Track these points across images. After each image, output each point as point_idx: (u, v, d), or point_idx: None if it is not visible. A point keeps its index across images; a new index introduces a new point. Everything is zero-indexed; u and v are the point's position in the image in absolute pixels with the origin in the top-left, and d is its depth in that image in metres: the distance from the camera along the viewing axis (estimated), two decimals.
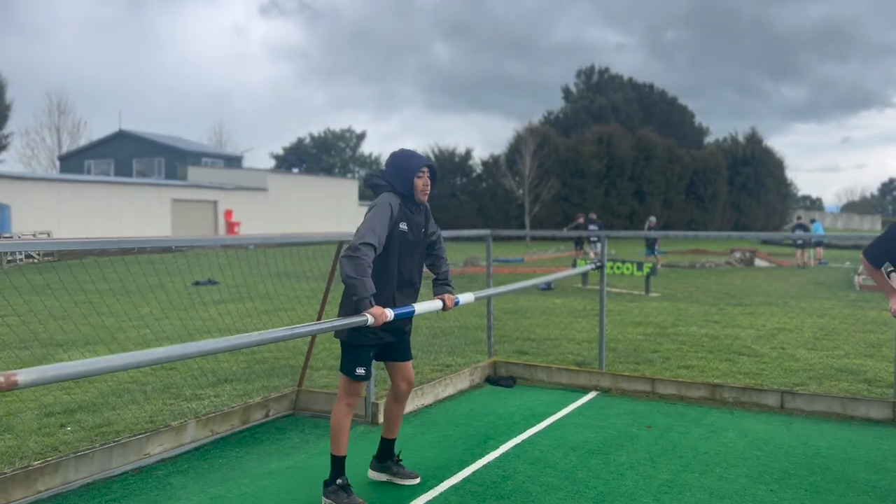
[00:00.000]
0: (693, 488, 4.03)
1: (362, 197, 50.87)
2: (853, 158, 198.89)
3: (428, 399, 5.94)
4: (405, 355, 4.12)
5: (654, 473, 4.27)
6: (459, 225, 47.55)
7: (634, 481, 4.13)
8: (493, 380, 6.77)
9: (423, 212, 3.99)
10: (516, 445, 4.83)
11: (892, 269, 3.94)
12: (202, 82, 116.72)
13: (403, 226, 3.80)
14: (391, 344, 4.00)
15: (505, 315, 11.15)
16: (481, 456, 4.60)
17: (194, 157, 49.88)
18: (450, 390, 6.27)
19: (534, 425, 5.30)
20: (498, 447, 4.78)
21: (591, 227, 22.72)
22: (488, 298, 7.00)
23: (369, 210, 3.77)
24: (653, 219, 25.29)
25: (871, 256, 3.93)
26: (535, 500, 3.86)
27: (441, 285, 4.10)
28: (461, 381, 6.47)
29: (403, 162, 3.87)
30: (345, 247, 3.81)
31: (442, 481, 4.14)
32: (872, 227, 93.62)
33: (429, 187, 3.90)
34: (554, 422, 5.41)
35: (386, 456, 4.17)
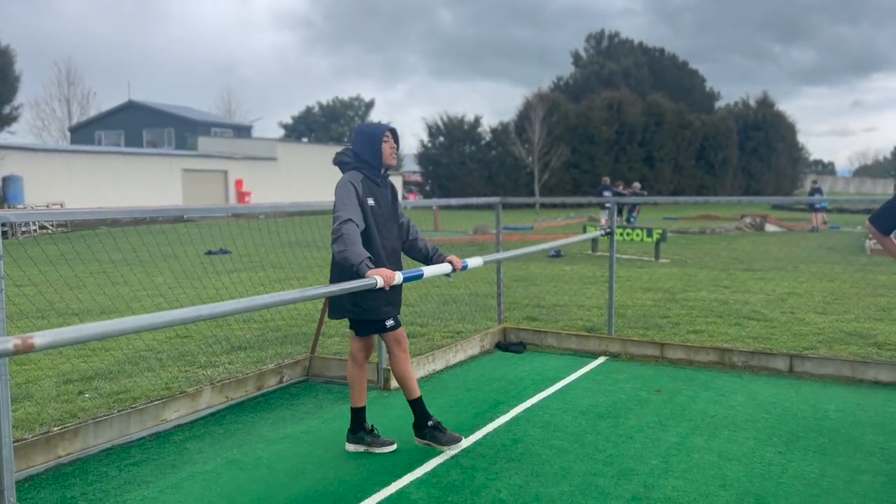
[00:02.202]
0: (701, 450, 4.08)
1: None
2: (864, 122, 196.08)
3: (439, 365, 6.01)
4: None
5: (662, 436, 4.32)
6: (469, 193, 47.42)
7: (643, 444, 4.19)
8: (503, 346, 6.83)
9: (389, 186, 4.14)
10: (526, 410, 4.90)
11: None
12: (209, 51, 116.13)
13: (371, 201, 3.94)
14: None
15: (515, 282, 11.19)
16: (492, 420, 4.67)
17: (204, 127, 49.80)
18: (460, 356, 6.33)
19: (543, 390, 5.36)
20: (508, 411, 4.85)
21: (606, 192, 22.61)
22: (498, 265, 7.04)
23: (335, 193, 3.89)
24: (637, 185, 25.04)
25: (879, 223, 3.91)
26: (544, 462, 3.92)
27: (439, 255, 4.21)
28: (471, 347, 6.53)
29: (370, 132, 4.06)
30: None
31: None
32: (885, 190, 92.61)
33: (395, 150, 4.09)
34: (563, 386, 5.47)
35: (359, 427, 4.18)
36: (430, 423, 4.12)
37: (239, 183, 39.48)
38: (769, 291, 10.05)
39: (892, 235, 4.04)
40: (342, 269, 3.83)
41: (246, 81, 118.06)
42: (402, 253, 4.26)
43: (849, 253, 16.11)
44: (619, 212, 22.18)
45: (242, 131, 54.38)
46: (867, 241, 17.12)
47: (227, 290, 9.28)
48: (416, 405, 4.14)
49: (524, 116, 49.58)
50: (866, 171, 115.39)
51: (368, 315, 3.97)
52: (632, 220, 22.14)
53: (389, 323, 4.05)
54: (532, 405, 5.00)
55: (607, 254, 7.62)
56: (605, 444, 4.18)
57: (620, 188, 23.82)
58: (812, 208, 24.57)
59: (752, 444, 4.17)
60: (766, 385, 5.47)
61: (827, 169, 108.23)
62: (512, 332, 7.05)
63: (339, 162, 4.06)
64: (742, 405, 4.95)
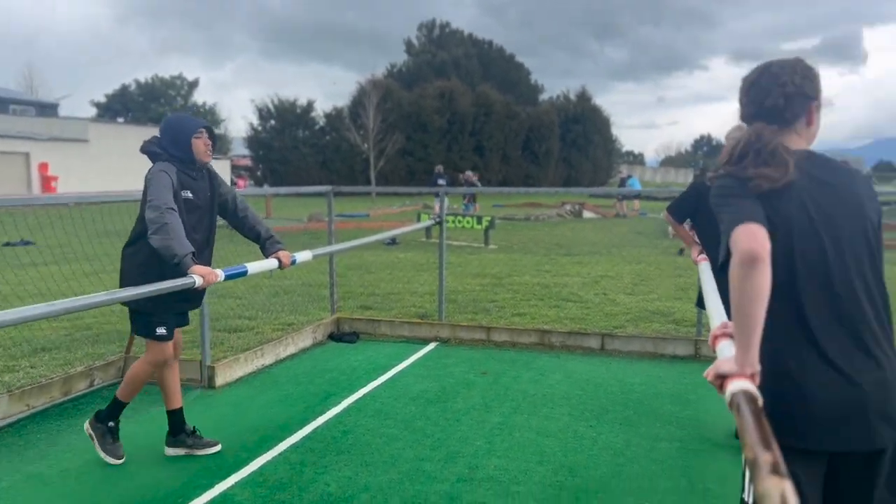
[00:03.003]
0: (522, 428, 4.31)
1: None
2: (668, 116, 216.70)
3: (268, 359, 5.85)
4: (185, 321, 4.06)
5: (487, 417, 4.52)
6: (303, 178, 46.44)
7: (469, 426, 4.36)
8: (336, 336, 6.79)
9: (206, 177, 3.87)
10: (358, 400, 4.91)
11: (692, 225, 4.36)
12: (5, 22, 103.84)
13: (188, 193, 3.69)
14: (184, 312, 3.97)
15: (349, 271, 11.14)
16: (322, 413, 4.63)
17: (1, 104, 44.53)
18: (291, 349, 6.20)
19: (376, 378, 5.40)
20: (339, 403, 4.83)
21: (441, 181, 23.02)
22: (330, 256, 6.96)
23: (147, 183, 3.59)
24: (469, 173, 25.81)
25: (675, 213, 4.34)
26: (374, 451, 3.96)
27: (272, 243, 4.01)
28: (303, 340, 6.42)
29: (178, 126, 3.75)
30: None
31: (282, 440, 4.13)
32: (686, 180, 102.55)
33: (211, 147, 3.81)
34: (395, 374, 5.54)
35: (178, 429, 3.99)
36: (110, 424, 3.89)
37: (43, 167, 35.83)
38: (585, 275, 10.80)
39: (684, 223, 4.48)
40: (137, 271, 3.58)
41: (51, 56, 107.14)
42: (237, 230, 4.05)
43: (655, 237, 17.70)
44: (473, 200, 22.61)
45: (47, 109, 49.32)
46: (669, 227, 18.89)
47: (33, 286, 8.40)
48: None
49: (358, 102, 49.32)
50: (671, 162, 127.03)
51: (155, 309, 3.67)
52: (468, 208, 22.71)
53: (160, 331, 3.75)
54: (364, 395, 5.02)
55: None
56: (433, 429, 4.30)
57: (476, 179, 24.40)
58: (621, 196, 26.85)
59: (567, 420, 4.48)
60: (580, 363, 5.89)
61: (637, 159, 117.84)
62: (346, 322, 7.02)
63: (147, 151, 3.76)
64: (559, 383, 5.29)
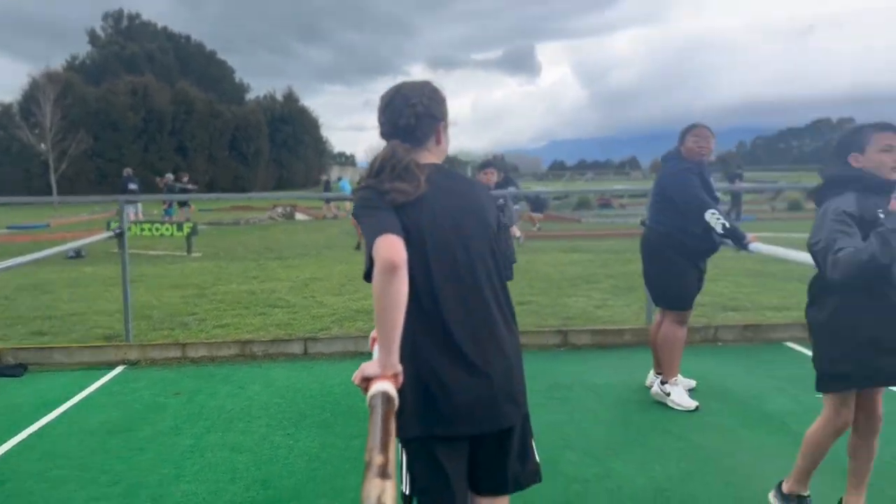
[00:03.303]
0: (215, 447, 4.13)
1: None
2: (375, 119, 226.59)
3: None
4: None
5: (177, 441, 4.24)
6: None
7: (156, 453, 4.05)
8: None
9: None
10: (21, 442, 4.28)
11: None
12: None
13: None
14: None
15: (21, 292, 9.72)
16: None
17: None
18: None
19: (45, 415, 4.76)
20: None
21: (132, 185, 21.09)
22: None
23: None
24: (169, 176, 24.36)
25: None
26: (38, 499, 3.48)
27: None
28: None
29: None
30: None
31: None
32: None
33: None
34: (71, 406, 4.95)
35: None
36: None
37: None
38: (294, 278, 10.74)
39: None
40: None
41: None
42: None
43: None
44: (184, 204, 20.84)
45: None
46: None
47: None
48: None
49: (31, 98, 43.28)
50: None
51: None
52: (169, 213, 21.10)
53: None
54: (30, 435, 4.39)
55: (138, 251, 7.21)
56: (112, 463, 3.91)
57: (185, 180, 22.53)
58: (327, 201, 27.54)
59: (264, 432, 4.39)
60: (283, 370, 5.83)
61: (349, 160, 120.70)
62: (8, 353, 6.09)
63: None
64: (258, 394, 5.17)
